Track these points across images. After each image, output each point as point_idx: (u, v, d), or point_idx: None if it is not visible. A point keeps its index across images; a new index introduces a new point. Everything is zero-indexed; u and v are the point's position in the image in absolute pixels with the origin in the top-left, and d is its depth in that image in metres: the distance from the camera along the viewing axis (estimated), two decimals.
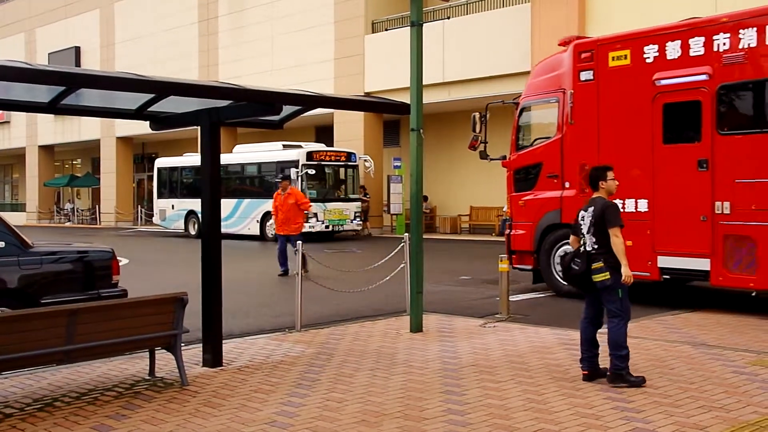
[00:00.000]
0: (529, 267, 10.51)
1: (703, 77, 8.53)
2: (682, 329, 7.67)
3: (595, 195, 5.78)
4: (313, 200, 21.89)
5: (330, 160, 22.35)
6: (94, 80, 5.71)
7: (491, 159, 11.11)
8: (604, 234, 5.53)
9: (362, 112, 22.93)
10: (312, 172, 21.67)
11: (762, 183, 8.09)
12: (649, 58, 9.00)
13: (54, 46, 37.69)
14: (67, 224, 37.96)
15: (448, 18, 22.29)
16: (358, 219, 22.74)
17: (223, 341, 6.53)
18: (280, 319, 8.69)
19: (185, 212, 25.39)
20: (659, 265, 8.89)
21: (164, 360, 6.11)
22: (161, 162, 27.56)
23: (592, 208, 5.66)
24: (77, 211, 39.78)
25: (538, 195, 10.28)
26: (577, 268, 5.58)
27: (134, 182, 38.35)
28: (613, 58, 9.35)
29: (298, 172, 21.48)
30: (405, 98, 8.31)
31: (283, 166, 22.13)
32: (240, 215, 23.16)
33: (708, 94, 8.50)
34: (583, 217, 5.71)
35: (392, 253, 8.87)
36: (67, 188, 41.97)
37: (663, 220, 8.93)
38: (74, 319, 5.09)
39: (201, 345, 6.40)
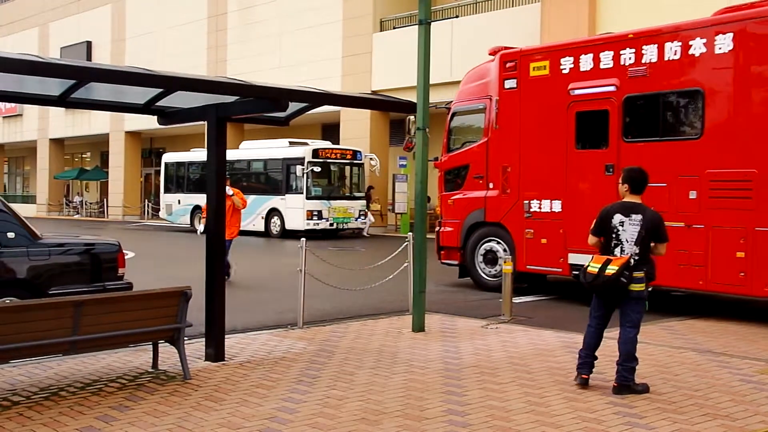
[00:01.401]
0: (456, 262, 11.25)
1: (611, 88, 9.26)
2: (687, 335, 7.64)
3: (634, 200, 5.42)
4: (318, 197, 22.03)
5: (335, 158, 22.38)
6: (103, 74, 5.74)
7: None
8: (647, 245, 5.34)
9: (369, 111, 22.95)
10: (317, 169, 21.71)
11: (660, 187, 8.56)
12: (565, 69, 9.72)
13: (66, 40, 37.91)
14: (76, 217, 38.15)
15: (457, 17, 22.28)
16: (362, 218, 22.76)
17: (226, 336, 6.57)
18: (283, 315, 8.72)
19: (191, 207, 25.48)
20: (569, 261, 9.39)
21: (167, 353, 6.14)
22: (168, 157, 27.66)
23: (640, 216, 5.31)
24: (86, 204, 39.99)
25: (465, 195, 11.03)
26: (625, 281, 5.22)
27: (142, 176, 38.50)
28: (534, 68, 10.07)
29: (303, 169, 21.52)
30: (412, 97, 8.34)
31: (288, 164, 22.19)
32: (245, 211, 23.18)
33: (615, 104, 9.23)
34: (622, 222, 5.35)
35: (395, 252, 8.89)
36: (77, 181, 42.18)
37: (574, 219, 9.55)
38: (80, 310, 5.14)
39: (204, 339, 6.44)
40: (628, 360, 5.33)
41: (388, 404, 5.05)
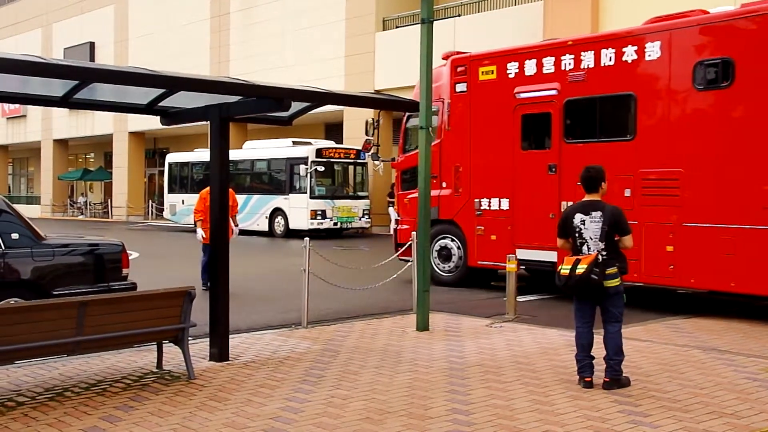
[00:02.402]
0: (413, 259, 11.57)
1: (553, 92, 9.79)
2: (693, 333, 7.61)
3: (593, 198, 5.54)
4: (321, 197, 22.03)
5: (339, 158, 22.38)
6: (105, 74, 5.75)
7: (382, 160, 12.66)
8: (612, 240, 5.42)
9: (372, 110, 22.91)
10: (321, 169, 21.71)
11: None
12: (511, 73, 10.23)
13: (69, 41, 37.99)
14: (80, 217, 38.24)
15: (459, 15, 22.24)
16: (366, 216, 22.76)
17: (230, 336, 6.57)
18: (287, 315, 8.72)
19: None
20: (517, 257, 9.56)
21: (171, 353, 6.15)
22: (172, 157, 27.70)
23: (600, 213, 5.41)
24: (90, 205, 40.07)
25: None
26: (596, 278, 5.31)
27: (146, 177, 38.56)
28: (482, 73, 10.57)
29: (307, 168, 21.53)
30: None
31: (292, 163, 22.19)
32: (249, 211, 23.24)
33: (557, 107, 9.78)
34: (583, 221, 5.45)
35: (400, 251, 8.89)
36: (81, 182, 42.26)
37: (521, 217, 10.20)
38: (84, 310, 5.14)
39: (208, 339, 6.45)
40: (617, 354, 5.41)
41: (392, 403, 5.04)
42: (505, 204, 10.35)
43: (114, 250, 7.24)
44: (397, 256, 11.34)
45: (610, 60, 9.27)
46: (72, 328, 5.12)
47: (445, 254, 11.32)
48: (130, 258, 7.44)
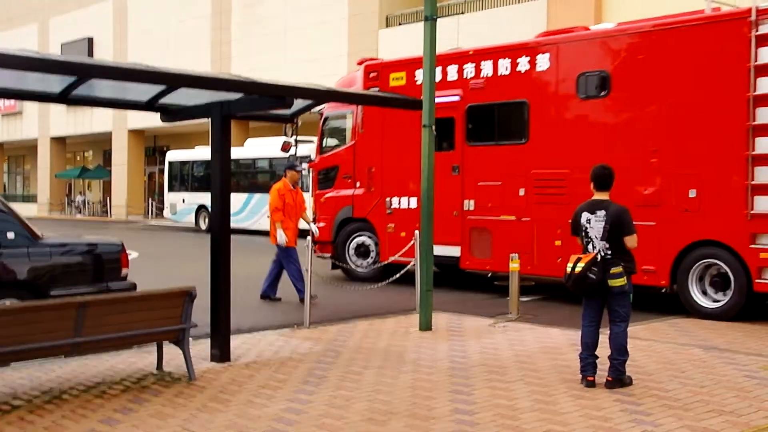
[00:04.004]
0: (329, 255, 12.03)
1: (456, 98, 10.46)
2: (693, 332, 7.59)
3: (601, 197, 5.51)
4: None
5: None
6: (105, 71, 5.69)
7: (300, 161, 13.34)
8: (616, 239, 5.37)
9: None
10: None
11: (494, 185, 10.09)
12: (418, 80, 10.51)
13: (67, 36, 37.80)
14: (78, 216, 38.16)
15: (462, 13, 22.16)
16: None
17: (231, 336, 6.50)
18: (289, 315, 8.65)
19: (196, 206, 25.41)
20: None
21: (172, 354, 6.08)
22: (172, 155, 27.60)
23: (603, 212, 5.39)
24: (88, 204, 39.96)
25: (335, 193, 12.06)
26: (594, 277, 5.30)
27: (145, 175, 38.45)
28: (393, 79, 11.16)
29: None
30: None
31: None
32: (251, 210, 23.16)
33: (459, 112, 10.45)
34: (589, 220, 5.43)
35: (402, 251, 8.83)
36: (79, 180, 42.16)
37: None
38: (83, 311, 5.07)
39: (209, 340, 6.37)
40: (621, 353, 5.39)
41: (395, 404, 4.99)
42: (413, 203, 10.79)
43: (113, 250, 7.16)
44: (315, 253, 11.66)
45: (507, 69, 10.04)
46: (70, 329, 5.05)
47: (362, 251, 11.76)
48: (129, 258, 7.36)
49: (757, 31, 8.07)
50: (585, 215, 5.50)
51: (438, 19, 7.81)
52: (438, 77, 10.29)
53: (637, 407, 4.90)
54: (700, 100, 8.50)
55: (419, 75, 10.50)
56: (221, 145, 6.37)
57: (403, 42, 23.19)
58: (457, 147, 10.55)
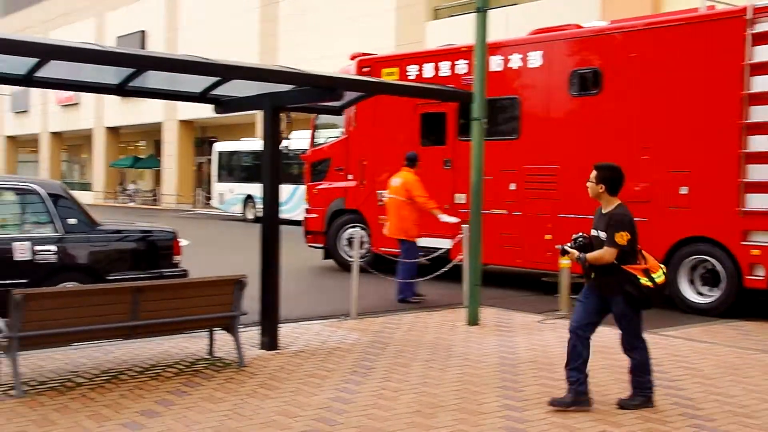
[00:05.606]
0: (321, 245, 12.34)
1: None
2: (759, 336, 7.32)
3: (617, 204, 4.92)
4: None
5: None
6: (162, 62, 5.80)
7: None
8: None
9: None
10: None
11: (487, 180, 9.68)
12: (411, 75, 10.91)
13: (122, 30, 38.75)
14: (130, 204, 39.12)
15: (514, 4, 21.86)
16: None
17: (280, 325, 6.58)
18: (336, 306, 8.69)
19: (243, 197, 25.75)
20: (417, 244, 9.84)
21: (222, 341, 6.19)
22: (220, 146, 28.01)
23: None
24: (140, 192, 40.95)
25: (328, 185, 12.28)
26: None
27: (194, 165, 39.17)
28: (385, 74, 11.14)
29: None
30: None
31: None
32: (297, 201, 23.35)
33: (452, 107, 10.38)
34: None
35: (450, 245, 8.77)
36: (131, 169, 43.23)
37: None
38: (139, 296, 5.21)
39: (258, 328, 6.46)
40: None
41: (443, 397, 4.97)
42: None
43: (166, 237, 7.32)
44: (307, 243, 12.06)
45: (499, 66, 10.10)
46: (127, 312, 5.19)
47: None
48: (181, 245, 7.51)
49: (753, 29, 8.04)
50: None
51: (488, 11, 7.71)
52: (431, 73, 10.71)
53: (697, 411, 4.76)
54: (692, 98, 8.53)
55: (412, 71, 10.92)
56: (272, 136, 6.43)
57: (450, 34, 22.97)
58: (448, 142, 10.68)
